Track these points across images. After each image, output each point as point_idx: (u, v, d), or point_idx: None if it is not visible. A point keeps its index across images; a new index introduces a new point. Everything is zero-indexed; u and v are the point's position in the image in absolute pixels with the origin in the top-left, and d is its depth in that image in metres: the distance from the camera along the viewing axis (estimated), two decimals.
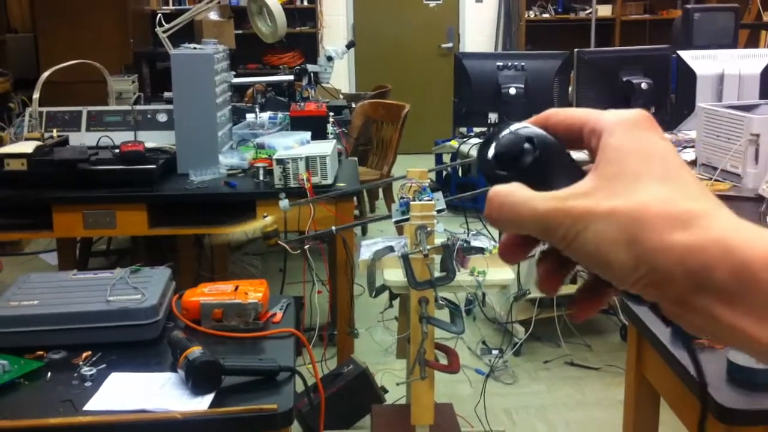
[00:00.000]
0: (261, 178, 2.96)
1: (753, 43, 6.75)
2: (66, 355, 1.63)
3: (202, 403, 1.46)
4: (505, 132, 0.49)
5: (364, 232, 5.26)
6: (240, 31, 7.07)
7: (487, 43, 8.32)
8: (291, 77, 4.42)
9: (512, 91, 3.88)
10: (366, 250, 2.30)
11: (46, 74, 3.38)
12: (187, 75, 3.05)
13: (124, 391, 1.51)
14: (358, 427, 2.94)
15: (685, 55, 3.80)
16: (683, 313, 0.43)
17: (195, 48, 3.28)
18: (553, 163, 0.48)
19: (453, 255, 2.13)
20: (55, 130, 3.25)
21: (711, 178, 2.82)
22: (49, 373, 1.57)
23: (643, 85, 3.74)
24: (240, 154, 3.22)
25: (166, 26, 3.87)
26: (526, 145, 0.48)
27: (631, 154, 0.45)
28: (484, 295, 3.83)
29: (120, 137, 3.21)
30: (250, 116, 3.89)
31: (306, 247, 2.54)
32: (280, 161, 2.86)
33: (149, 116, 3.36)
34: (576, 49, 3.89)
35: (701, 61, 3.75)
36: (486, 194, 0.47)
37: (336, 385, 2.86)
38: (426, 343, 2.13)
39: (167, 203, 2.97)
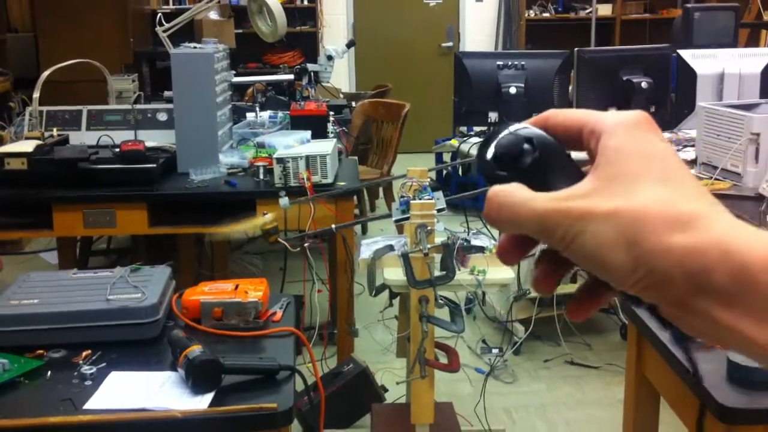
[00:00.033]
0: (261, 177, 2.96)
1: (753, 42, 6.75)
2: (66, 354, 1.64)
3: (202, 402, 1.46)
4: (505, 132, 0.49)
5: (364, 231, 5.27)
6: (240, 31, 7.07)
7: (488, 42, 8.32)
8: (291, 76, 4.42)
9: (512, 90, 3.88)
10: (366, 249, 2.30)
11: (46, 73, 3.38)
12: (188, 74, 3.05)
13: (124, 389, 1.51)
14: (358, 426, 2.94)
15: (686, 54, 3.80)
16: (682, 315, 0.43)
17: (195, 47, 3.29)
18: (552, 164, 0.48)
19: (453, 254, 2.13)
20: (55, 130, 3.25)
21: (711, 177, 2.82)
22: (49, 372, 1.57)
23: (644, 85, 3.74)
24: (240, 153, 3.22)
25: (166, 25, 3.87)
26: (526, 146, 0.48)
27: (631, 156, 0.45)
28: (484, 294, 3.83)
29: (120, 136, 3.21)
30: (250, 115, 3.89)
31: (306, 245, 2.54)
32: (280, 160, 2.86)
33: (149, 115, 3.36)
34: (576, 49, 3.89)
35: (701, 61, 3.75)
36: (486, 194, 0.47)
37: (336, 384, 2.86)
38: (426, 342, 2.13)
39: (167, 202, 2.97)
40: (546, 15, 8.19)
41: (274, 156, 2.90)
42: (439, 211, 2.15)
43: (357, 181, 3.26)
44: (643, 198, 0.43)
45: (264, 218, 2.20)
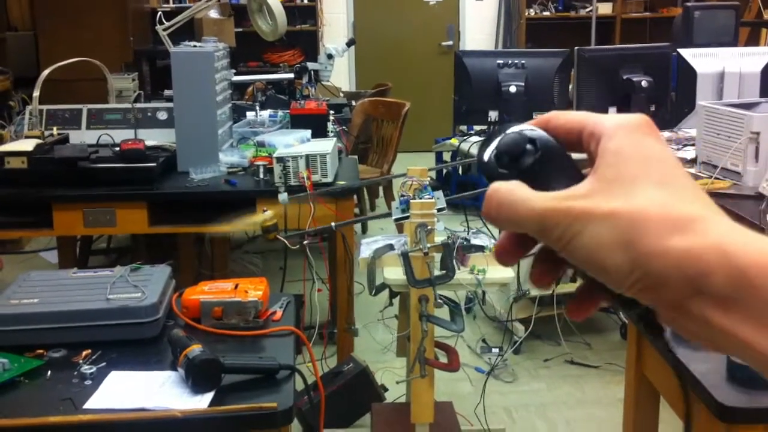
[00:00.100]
0: (261, 176, 2.96)
1: (753, 41, 6.75)
2: (66, 354, 1.64)
3: (202, 402, 1.46)
4: (508, 132, 0.49)
5: (364, 230, 5.27)
6: (240, 29, 7.07)
7: (488, 41, 8.32)
8: (291, 75, 4.42)
9: (512, 89, 3.88)
10: (366, 248, 2.30)
11: (46, 72, 3.37)
12: (188, 73, 3.05)
13: (124, 389, 1.51)
14: (358, 426, 2.94)
15: (686, 53, 3.79)
16: (679, 318, 0.43)
17: (195, 46, 3.28)
18: (553, 165, 0.48)
19: (453, 253, 2.13)
20: (55, 128, 3.25)
21: (711, 176, 2.82)
22: (49, 372, 1.57)
23: (644, 83, 3.74)
24: (240, 152, 3.22)
25: (167, 24, 3.87)
26: (528, 146, 0.48)
27: (630, 158, 0.45)
28: (484, 293, 3.83)
29: (120, 135, 3.21)
30: (250, 114, 3.89)
31: (306, 243, 2.53)
32: (280, 159, 2.86)
33: (149, 114, 3.36)
34: (576, 47, 3.88)
35: (701, 59, 3.74)
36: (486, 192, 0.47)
37: (336, 384, 2.86)
38: (426, 341, 2.13)
39: (167, 201, 2.97)
40: (546, 14, 8.19)
41: (274, 155, 2.89)
42: (439, 210, 2.15)
43: (357, 180, 3.26)
44: (641, 200, 0.43)
45: (264, 215, 2.20)
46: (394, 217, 2.21)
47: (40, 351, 1.63)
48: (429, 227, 2.11)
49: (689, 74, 3.73)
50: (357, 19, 8.25)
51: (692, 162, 3.08)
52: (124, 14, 6.43)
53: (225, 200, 2.96)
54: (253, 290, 1.79)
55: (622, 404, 2.12)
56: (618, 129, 0.46)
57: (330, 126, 3.65)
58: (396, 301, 2.50)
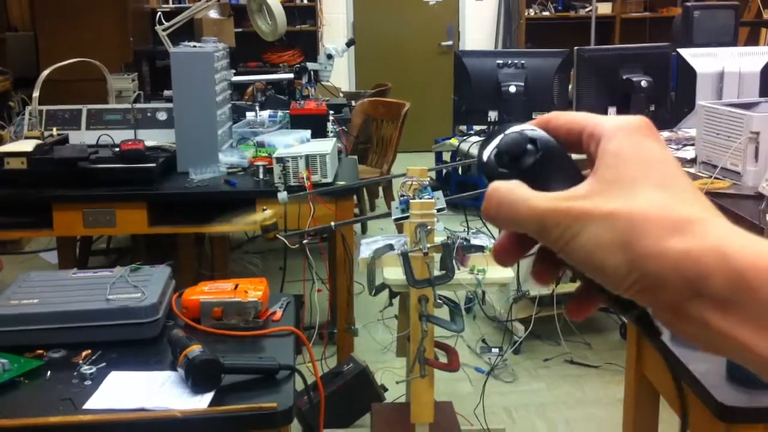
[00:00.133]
0: (261, 176, 2.95)
1: (753, 40, 6.75)
2: (66, 354, 1.64)
3: (202, 402, 1.46)
4: (509, 131, 0.49)
5: (364, 230, 5.27)
6: (240, 29, 7.07)
7: (487, 41, 8.32)
8: (291, 75, 4.41)
9: (512, 89, 3.88)
10: (366, 249, 2.30)
11: (45, 72, 3.37)
12: (187, 73, 3.04)
13: (124, 389, 1.51)
14: (358, 426, 2.94)
15: (685, 52, 3.79)
16: (677, 320, 0.43)
17: (195, 46, 3.28)
18: (553, 166, 0.48)
19: (452, 253, 2.13)
20: (55, 129, 3.25)
21: (711, 176, 2.82)
22: (48, 372, 1.57)
23: (643, 83, 3.74)
24: (240, 152, 3.22)
25: (166, 24, 3.87)
26: (529, 146, 0.48)
27: (630, 160, 0.45)
28: (483, 293, 3.83)
29: (120, 136, 3.20)
30: (250, 114, 3.89)
31: (305, 242, 2.53)
32: (280, 159, 2.86)
33: (149, 114, 3.36)
34: (576, 47, 3.88)
35: (701, 59, 3.75)
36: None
37: (336, 384, 2.86)
38: (426, 341, 2.13)
39: (167, 202, 2.97)
40: (546, 14, 8.19)
41: (274, 155, 2.89)
42: (439, 210, 2.15)
43: (357, 181, 3.26)
44: (640, 202, 0.43)
45: (264, 214, 2.21)
46: (393, 217, 2.21)
47: (40, 351, 1.63)
48: (429, 227, 2.11)
49: (689, 74, 3.73)
50: (357, 19, 8.25)
51: (692, 162, 3.08)
52: (124, 14, 6.43)
53: (225, 200, 2.95)
54: (253, 290, 1.79)
55: (622, 404, 2.12)
56: (618, 130, 0.46)
57: (330, 126, 3.65)
58: (396, 301, 2.50)
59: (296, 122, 3.55)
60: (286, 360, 1.59)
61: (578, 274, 0.47)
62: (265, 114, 3.85)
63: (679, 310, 0.42)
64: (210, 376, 1.49)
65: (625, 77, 3.79)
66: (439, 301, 2.09)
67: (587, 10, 7.97)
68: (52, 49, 6.01)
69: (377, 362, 3.35)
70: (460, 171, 6.15)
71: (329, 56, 4.27)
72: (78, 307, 1.69)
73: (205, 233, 3.87)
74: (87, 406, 1.45)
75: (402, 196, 2.21)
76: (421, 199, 2.15)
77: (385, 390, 3.05)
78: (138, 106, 3.42)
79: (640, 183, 0.44)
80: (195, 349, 1.51)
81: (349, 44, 4.52)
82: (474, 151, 4.10)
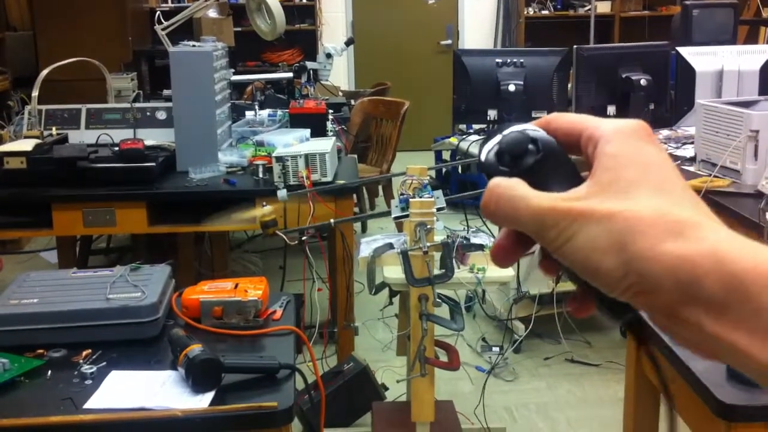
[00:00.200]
0: (260, 175, 2.95)
1: (752, 39, 6.74)
2: (66, 354, 1.64)
3: (203, 401, 1.46)
4: (511, 130, 0.49)
5: (363, 229, 5.27)
6: (239, 29, 7.06)
7: (486, 40, 8.32)
8: (290, 74, 4.41)
9: (511, 87, 3.87)
10: (366, 247, 2.30)
11: (45, 72, 3.37)
12: (186, 72, 3.04)
13: (125, 389, 1.51)
14: (358, 425, 2.94)
15: (684, 51, 3.79)
16: (672, 324, 0.43)
17: (194, 45, 3.28)
18: (553, 166, 0.48)
19: (452, 252, 2.13)
20: (54, 128, 3.24)
21: (710, 175, 2.82)
22: (49, 372, 1.57)
23: (643, 82, 3.74)
24: (239, 151, 3.22)
25: (165, 24, 3.87)
26: (530, 146, 0.48)
27: (627, 163, 0.45)
28: (483, 292, 3.84)
29: (119, 135, 3.20)
30: (249, 114, 3.89)
31: (304, 238, 2.53)
32: (279, 159, 2.86)
33: (148, 114, 3.36)
34: (575, 46, 3.88)
35: (700, 58, 3.75)
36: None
37: (336, 383, 2.86)
38: (426, 340, 2.13)
39: (167, 201, 2.97)
40: (545, 12, 8.20)
41: (274, 154, 2.89)
42: (438, 209, 2.15)
43: (356, 179, 3.26)
44: (637, 205, 0.43)
45: (263, 209, 2.21)
46: (393, 215, 2.21)
47: (40, 351, 1.63)
48: (428, 226, 2.11)
49: (688, 72, 3.73)
50: (356, 19, 8.25)
51: (691, 160, 3.08)
52: (123, 14, 6.42)
53: (224, 200, 2.96)
54: (252, 290, 1.79)
55: (623, 403, 2.12)
56: (616, 133, 0.46)
57: (329, 125, 3.65)
58: (396, 300, 2.50)
59: (296, 121, 3.55)
60: (286, 359, 1.59)
61: (572, 277, 0.47)
62: (265, 113, 3.85)
63: (674, 313, 0.42)
64: (210, 375, 1.50)
65: (624, 76, 3.79)
66: (439, 299, 2.09)
67: (586, 8, 7.96)
68: (51, 48, 6.00)
69: (378, 361, 3.35)
70: (459, 170, 6.15)
71: (328, 55, 4.27)
72: (78, 306, 1.69)
73: (204, 232, 3.87)
74: (87, 405, 1.45)
75: (402, 194, 2.21)
76: (420, 197, 2.16)
77: (386, 389, 3.05)
78: (137, 105, 3.42)
79: (637, 186, 0.44)
80: (195, 349, 1.51)
81: (348, 43, 4.51)
82: (473, 150, 4.10)
